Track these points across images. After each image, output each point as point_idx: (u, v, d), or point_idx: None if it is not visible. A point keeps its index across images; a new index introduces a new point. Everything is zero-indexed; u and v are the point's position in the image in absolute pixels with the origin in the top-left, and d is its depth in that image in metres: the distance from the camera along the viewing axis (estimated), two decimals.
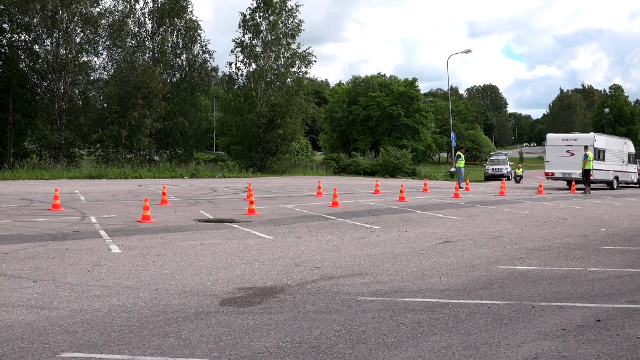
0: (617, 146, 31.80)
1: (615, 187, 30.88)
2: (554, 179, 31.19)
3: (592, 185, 30.01)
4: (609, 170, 30.28)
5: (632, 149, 33.48)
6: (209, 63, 47.74)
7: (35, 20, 38.78)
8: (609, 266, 8.54)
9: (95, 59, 42.91)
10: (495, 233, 12.11)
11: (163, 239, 10.46)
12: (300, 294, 6.53)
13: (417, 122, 66.87)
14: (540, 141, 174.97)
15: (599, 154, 29.26)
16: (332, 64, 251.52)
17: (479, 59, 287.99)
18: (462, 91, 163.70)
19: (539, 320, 5.64)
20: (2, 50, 39.68)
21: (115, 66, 42.58)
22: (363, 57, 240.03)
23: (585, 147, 27.33)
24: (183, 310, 5.77)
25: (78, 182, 27.98)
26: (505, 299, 6.47)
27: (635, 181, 33.87)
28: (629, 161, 32.88)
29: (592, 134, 30.30)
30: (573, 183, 28.78)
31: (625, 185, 33.31)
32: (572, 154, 29.07)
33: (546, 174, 30.50)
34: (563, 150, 29.56)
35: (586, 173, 26.45)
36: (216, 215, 14.62)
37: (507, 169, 44.81)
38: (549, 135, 31.92)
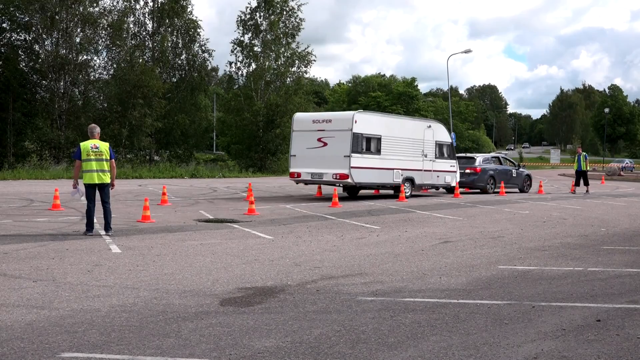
0: (409, 132, 21.01)
1: (408, 193, 20.53)
2: (304, 182, 20.23)
3: (345, 194, 21.49)
4: (392, 169, 19.96)
5: (444, 137, 22.57)
6: (208, 62, 47.83)
7: (35, 19, 38.79)
8: (609, 266, 8.54)
9: (95, 58, 42.95)
10: (495, 233, 12.11)
11: (163, 239, 10.47)
12: (300, 294, 6.53)
13: None
14: (541, 141, 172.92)
15: (365, 144, 19.01)
16: (335, 64, 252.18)
17: (481, 59, 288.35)
18: (462, 91, 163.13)
19: (539, 320, 5.64)
20: (2, 50, 39.69)
21: (115, 66, 42.63)
22: (365, 57, 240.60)
23: (578, 149, 27.14)
24: (183, 310, 5.77)
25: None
26: (505, 299, 6.47)
27: (454, 183, 22.84)
28: (440, 154, 22.17)
29: (352, 112, 19.69)
30: (328, 190, 20.21)
31: (432, 187, 22.70)
32: (325, 144, 19.02)
33: (291, 175, 19.97)
34: (314, 139, 19.25)
35: (583, 174, 26.40)
36: (216, 215, 14.62)
37: None
38: (297, 116, 20.90)
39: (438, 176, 22.07)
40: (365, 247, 10.01)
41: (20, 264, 7.94)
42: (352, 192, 21.45)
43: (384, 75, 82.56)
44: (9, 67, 38.20)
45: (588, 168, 26.59)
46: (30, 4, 37.67)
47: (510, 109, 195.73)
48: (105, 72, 43.50)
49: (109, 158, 10.82)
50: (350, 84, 78.91)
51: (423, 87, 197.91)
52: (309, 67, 46.04)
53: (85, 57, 41.10)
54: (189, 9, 45.63)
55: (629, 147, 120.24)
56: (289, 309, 5.89)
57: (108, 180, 10.85)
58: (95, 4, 40.89)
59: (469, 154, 27.52)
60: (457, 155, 24.28)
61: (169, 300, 6.15)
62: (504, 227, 13.12)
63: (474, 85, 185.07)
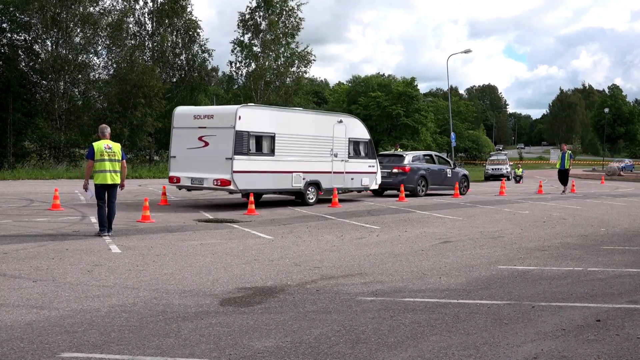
0: (312, 128, 17.90)
1: (311, 200, 17.57)
2: (186, 189, 16.87)
3: (228, 201, 18.52)
4: (291, 172, 16.90)
5: (359, 134, 19.32)
6: (208, 62, 47.81)
7: (35, 19, 38.80)
8: (609, 266, 8.54)
9: (95, 58, 42.94)
10: (495, 233, 12.11)
11: (163, 239, 10.47)
12: (300, 294, 6.53)
13: (417, 121, 66.88)
14: (541, 141, 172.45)
15: (253, 143, 16.01)
16: (335, 64, 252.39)
17: (481, 59, 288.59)
18: (462, 91, 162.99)
19: (539, 320, 5.64)
20: (2, 50, 39.70)
21: (115, 66, 42.64)
22: (365, 57, 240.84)
23: (563, 146, 26.68)
24: (183, 310, 5.77)
25: (78, 182, 27.95)
26: (505, 299, 6.47)
27: (374, 186, 20.14)
28: (355, 154, 19.09)
29: (236, 106, 16.19)
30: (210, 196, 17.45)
31: (346, 191, 19.64)
32: (206, 144, 16.08)
33: (170, 179, 16.77)
34: (194, 137, 16.31)
35: (565, 173, 25.80)
36: (216, 215, 14.63)
37: (507, 169, 44.71)
38: (177, 111, 17.50)
39: (352, 178, 19.03)
40: (365, 247, 10.01)
41: (20, 264, 7.94)
42: (255, 197, 16.91)
43: (384, 75, 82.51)
44: (9, 67, 38.19)
45: (566, 167, 25.96)
46: (30, 4, 37.67)
47: (510, 109, 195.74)
48: (105, 72, 43.54)
49: (120, 159, 10.81)
50: (350, 84, 78.94)
51: (423, 87, 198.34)
52: (308, 67, 46.09)
53: (85, 57, 41.11)
54: (188, 9, 45.63)
55: (629, 147, 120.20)
56: (289, 309, 5.89)
57: (119, 181, 10.88)
58: (95, 4, 40.88)
59: (397, 152, 25.11)
60: (383, 153, 22.83)
61: (169, 300, 6.15)
62: (504, 227, 13.12)
63: (474, 85, 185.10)
